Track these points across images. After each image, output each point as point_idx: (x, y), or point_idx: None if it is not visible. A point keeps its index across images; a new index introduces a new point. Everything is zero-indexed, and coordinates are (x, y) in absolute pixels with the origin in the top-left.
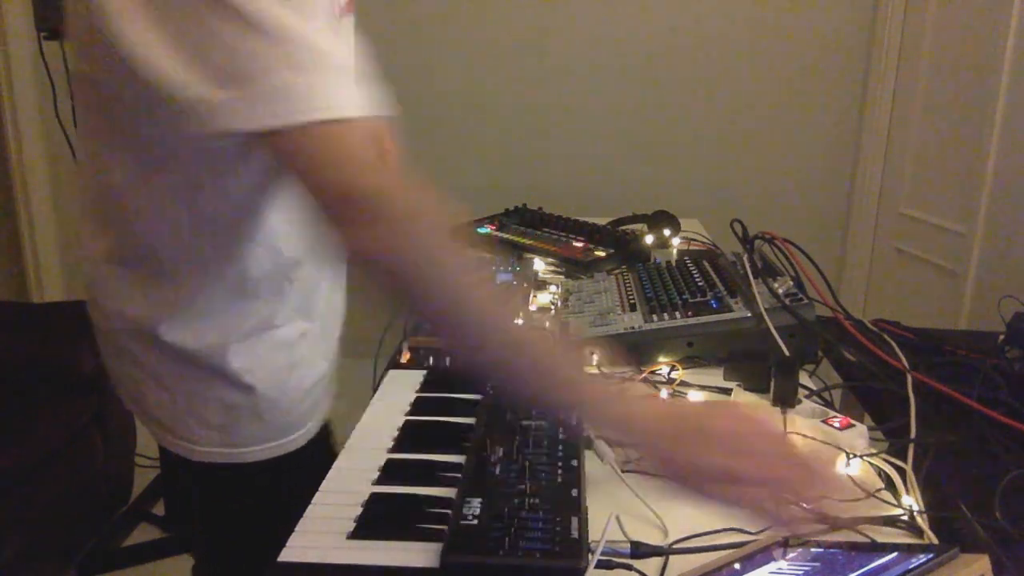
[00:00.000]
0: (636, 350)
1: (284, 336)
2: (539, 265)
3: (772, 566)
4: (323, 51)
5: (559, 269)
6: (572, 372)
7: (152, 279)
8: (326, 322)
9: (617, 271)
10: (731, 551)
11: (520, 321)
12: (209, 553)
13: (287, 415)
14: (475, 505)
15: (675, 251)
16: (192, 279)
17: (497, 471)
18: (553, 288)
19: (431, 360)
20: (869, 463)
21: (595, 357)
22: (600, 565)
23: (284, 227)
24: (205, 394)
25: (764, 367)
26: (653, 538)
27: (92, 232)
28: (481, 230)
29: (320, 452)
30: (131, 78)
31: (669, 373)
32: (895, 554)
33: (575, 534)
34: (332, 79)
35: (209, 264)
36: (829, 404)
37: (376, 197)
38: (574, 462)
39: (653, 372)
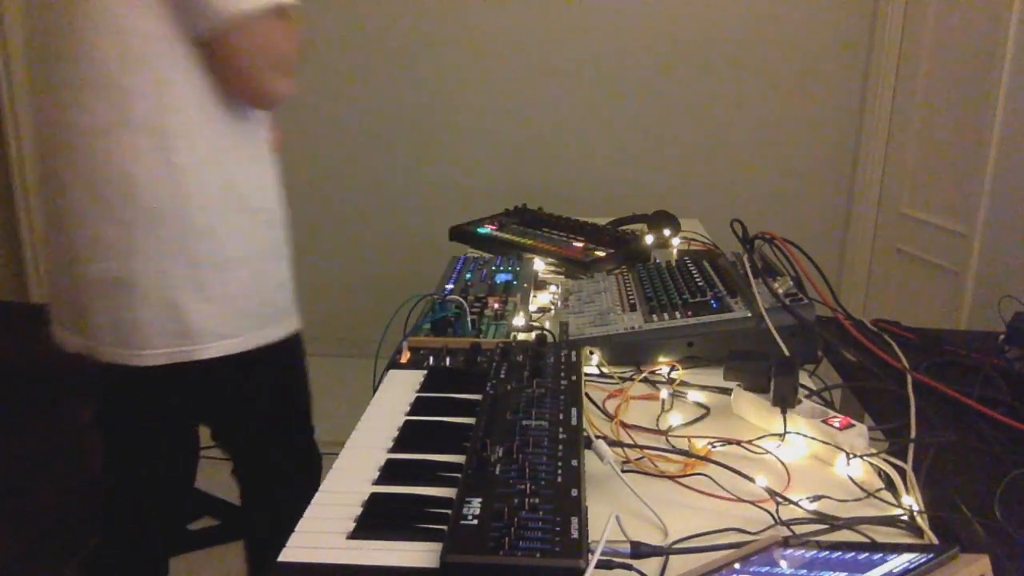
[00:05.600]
0: (636, 350)
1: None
2: (539, 265)
3: (772, 566)
4: None
5: (559, 269)
6: None
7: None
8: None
9: (617, 271)
10: (731, 551)
11: None
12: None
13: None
14: (475, 505)
15: (675, 251)
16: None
17: (497, 471)
18: (553, 288)
19: (431, 360)
20: (869, 463)
21: (595, 357)
22: (600, 565)
23: None
24: (239, 285)
25: (764, 367)
26: (653, 538)
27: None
28: (481, 230)
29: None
30: None
31: (669, 373)
32: (895, 554)
33: (575, 534)
34: None
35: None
36: (829, 404)
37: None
38: (574, 462)
39: (653, 372)
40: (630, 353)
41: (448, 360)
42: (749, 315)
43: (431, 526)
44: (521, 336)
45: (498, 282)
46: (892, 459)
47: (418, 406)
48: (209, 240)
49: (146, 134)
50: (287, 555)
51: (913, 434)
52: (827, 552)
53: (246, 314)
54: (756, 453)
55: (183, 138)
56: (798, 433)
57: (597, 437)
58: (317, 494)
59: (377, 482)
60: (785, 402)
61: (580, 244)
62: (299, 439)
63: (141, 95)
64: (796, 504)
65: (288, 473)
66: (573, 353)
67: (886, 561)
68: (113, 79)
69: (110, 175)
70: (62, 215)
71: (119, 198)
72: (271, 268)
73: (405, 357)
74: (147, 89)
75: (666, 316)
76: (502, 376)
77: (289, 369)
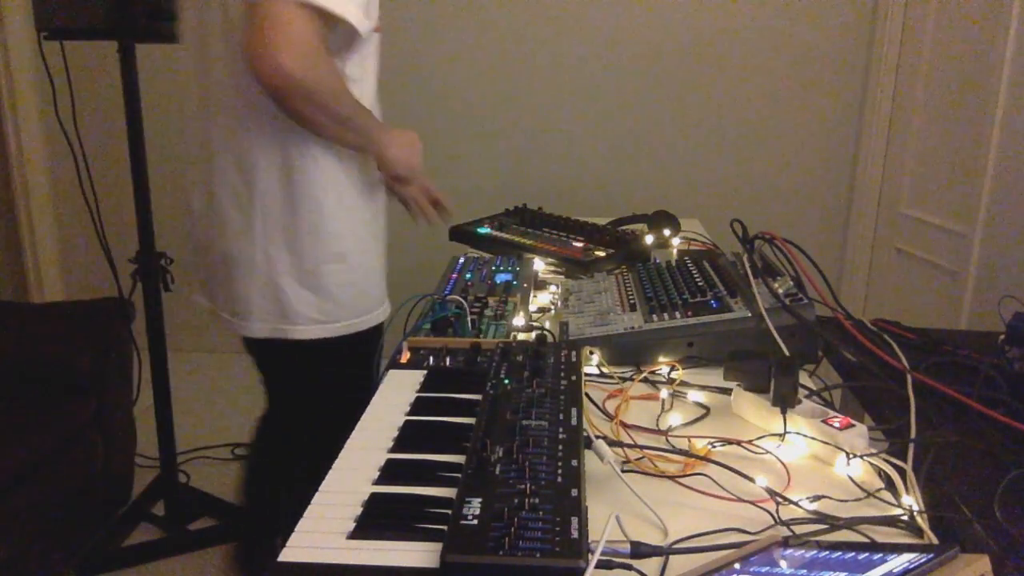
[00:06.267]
0: (636, 350)
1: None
2: (539, 265)
3: (772, 566)
4: None
5: (559, 269)
6: (377, 134)
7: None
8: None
9: (617, 271)
10: (731, 551)
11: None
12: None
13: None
14: (475, 505)
15: (675, 251)
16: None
17: (497, 471)
18: (553, 288)
19: (431, 360)
20: (869, 463)
21: (595, 357)
22: (600, 565)
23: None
24: (330, 278)
25: (764, 367)
26: (653, 538)
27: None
28: (481, 230)
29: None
30: None
31: (669, 373)
32: (895, 554)
33: (575, 534)
34: None
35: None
36: (829, 404)
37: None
38: (574, 462)
39: (653, 372)
40: (630, 353)
41: (448, 360)
42: (749, 315)
43: (431, 526)
44: (521, 336)
45: (498, 282)
46: (892, 459)
47: (418, 406)
48: (313, 237)
49: (269, 147)
50: (287, 555)
51: (913, 434)
52: (827, 552)
53: (341, 304)
54: (756, 453)
55: (296, 147)
56: (798, 433)
57: (597, 437)
58: (317, 494)
59: (377, 482)
60: (785, 402)
61: (580, 244)
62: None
63: (269, 113)
64: (796, 504)
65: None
66: (573, 353)
67: (886, 561)
68: (251, 101)
69: (241, 173)
70: (210, 204)
71: (245, 191)
72: (367, 262)
73: (405, 357)
74: (274, 111)
75: (666, 316)
76: (502, 376)
77: (368, 356)
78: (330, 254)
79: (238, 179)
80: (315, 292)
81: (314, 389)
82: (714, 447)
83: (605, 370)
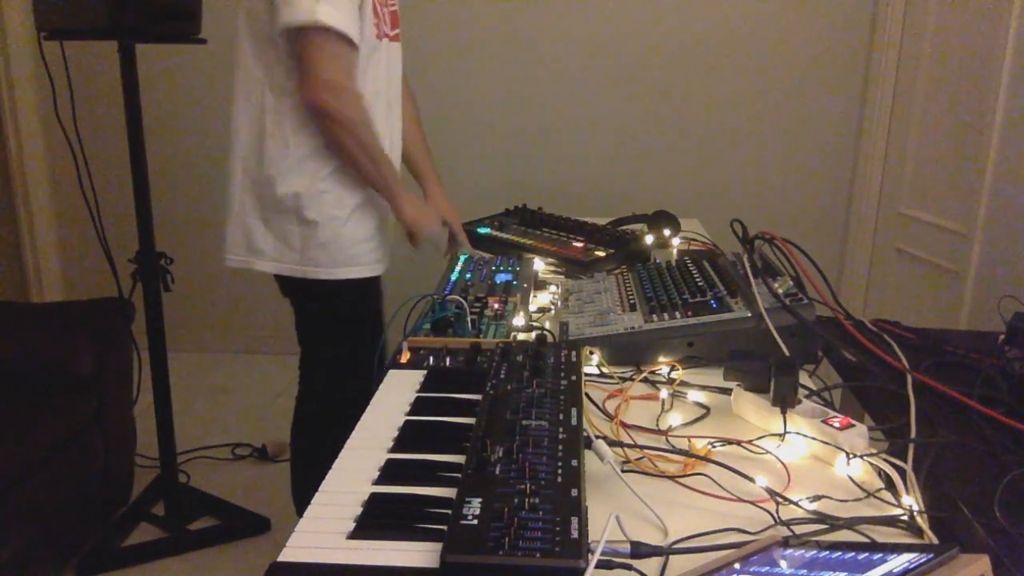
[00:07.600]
0: (636, 350)
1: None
2: (539, 265)
3: (772, 566)
4: None
5: (559, 269)
6: (400, 192)
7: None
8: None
9: (617, 271)
10: (731, 551)
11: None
12: (312, 351)
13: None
14: (475, 505)
15: (675, 251)
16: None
17: (497, 471)
18: (553, 288)
19: (431, 360)
20: (869, 463)
21: (595, 357)
22: (600, 565)
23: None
24: (289, 227)
25: (764, 367)
26: (653, 538)
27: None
28: (481, 230)
29: (374, 291)
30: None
31: (669, 373)
32: (895, 554)
33: (575, 534)
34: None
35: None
36: (829, 404)
37: (326, 109)
38: (574, 462)
39: (653, 372)
40: (630, 353)
41: (448, 360)
42: (749, 315)
43: (431, 526)
44: (521, 336)
45: (498, 282)
46: (892, 459)
47: (418, 406)
48: (269, 187)
49: (249, 112)
50: (287, 555)
51: (913, 434)
52: (827, 552)
53: (292, 248)
54: (756, 453)
55: (272, 113)
56: (798, 433)
57: (597, 437)
58: (317, 494)
59: (377, 482)
60: (785, 402)
61: (580, 244)
62: (328, 357)
63: (249, 90)
64: (796, 504)
65: (319, 377)
66: (573, 353)
67: (886, 561)
68: (247, 74)
69: (233, 129)
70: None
71: (231, 146)
72: (320, 220)
73: (405, 357)
74: (253, 87)
75: (666, 316)
76: (502, 376)
77: (355, 307)
78: (279, 205)
79: (232, 141)
80: (273, 234)
81: (317, 333)
82: (714, 447)
83: (605, 370)
